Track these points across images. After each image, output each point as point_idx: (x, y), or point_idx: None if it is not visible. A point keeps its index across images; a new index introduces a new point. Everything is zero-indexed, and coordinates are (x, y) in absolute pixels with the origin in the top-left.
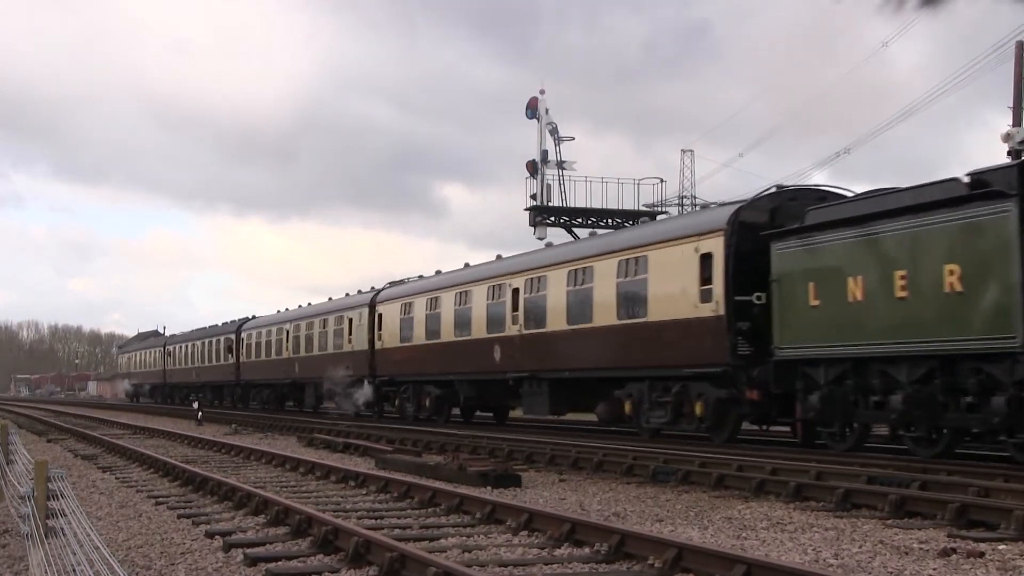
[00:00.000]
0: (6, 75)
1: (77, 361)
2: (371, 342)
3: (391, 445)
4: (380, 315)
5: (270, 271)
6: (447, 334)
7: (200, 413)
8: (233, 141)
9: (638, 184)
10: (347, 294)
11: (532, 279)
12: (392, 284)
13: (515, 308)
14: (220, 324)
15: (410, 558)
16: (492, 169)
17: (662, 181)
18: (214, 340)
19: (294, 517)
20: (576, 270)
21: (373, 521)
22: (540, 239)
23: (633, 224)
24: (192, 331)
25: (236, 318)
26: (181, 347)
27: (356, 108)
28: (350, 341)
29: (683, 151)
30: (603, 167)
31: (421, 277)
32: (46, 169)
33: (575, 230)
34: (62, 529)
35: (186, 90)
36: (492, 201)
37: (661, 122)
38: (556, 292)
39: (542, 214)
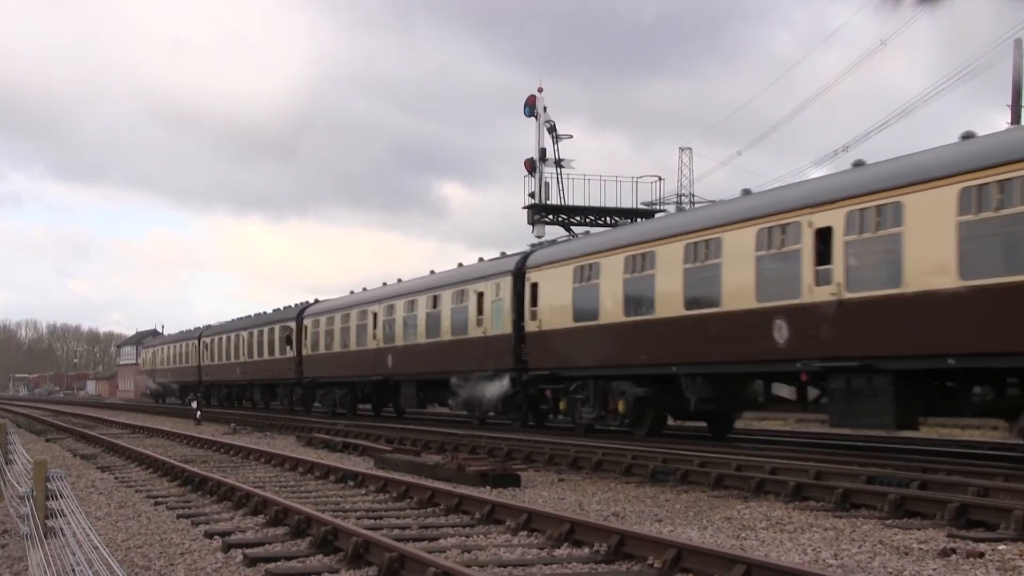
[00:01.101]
0: (5, 75)
1: (76, 360)
2: (516, 323)
3: (390, 445)
4: (535, 285)
5: (269, 271)
6: (670, 306)
7: (199, 413)
8: (232, 141)
9: (636, 182)
10: (460, 264)
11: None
12: (537, 246)
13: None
14: (272, 311)
15: (409, 558)
16: (491, 168)
17: (660, 179)
18: (266, 330)
19: (293, 517)
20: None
21: (372, 521)
22: (538, 237)
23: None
24: (235, 320)
25: (294, 303)
26: (222, 339)
27: (355, 107)
28: (479, 323)
29: (681, 149)
30: (602, 165)
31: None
32: (44, 169)
33: (573, 228)
34: (61, 529)
35: (185, 90)
36: (491, 200)
37: (659, 120)
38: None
39: (540, 212)
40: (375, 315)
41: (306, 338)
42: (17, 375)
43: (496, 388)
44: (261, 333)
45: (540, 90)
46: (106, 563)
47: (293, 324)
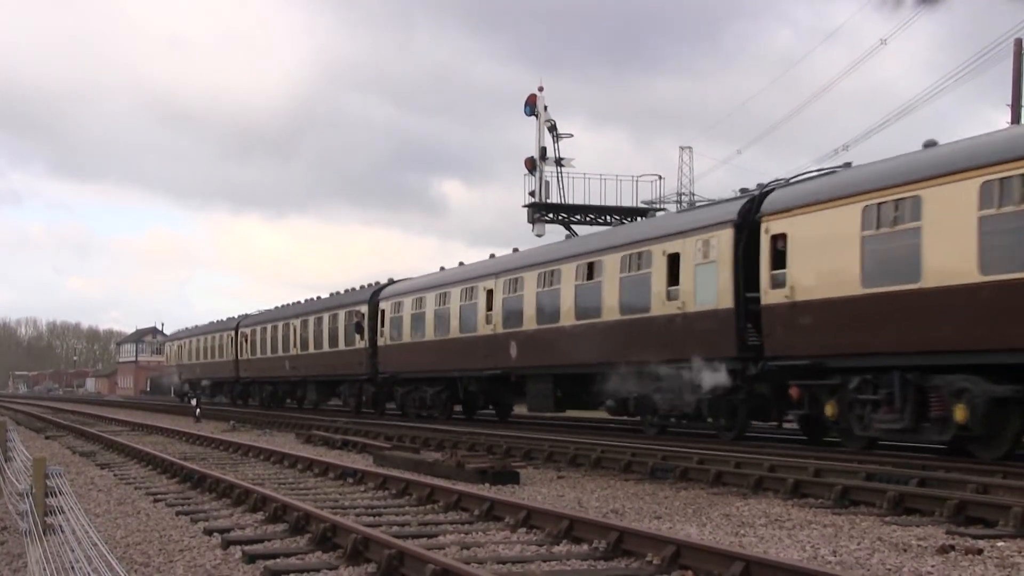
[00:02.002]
0: (3, 73)
1: (75, 358)
2: (740, 292)
3: (389, 442)
4: (780, 237)
5: (268, 268)
6: None
7: (198, 410)
8: (231, 138)
9: (636, 181)
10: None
11: None
12: (777, 183)
13: None
14: (330, 295)
15: (408, 555)
16: (491, 166)
17: (660, 178)
18: (326, 317)
19: (292, 514)
20: None
21: (371, 518)
22: (538, 236)
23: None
24: (283, 307)
25: (363, 284)
26: (265, 330)
27: (354, 105)
28: (672, 296)
29: (681, 148)
30: (602, 163)
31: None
32: (44, 167)
33: (574, 227)
34: (60, 526)
35: (184, 87)
36: (491, 198)
37: (660, 118)
38: None
39: (540, 211)
40: (489, 292)
41: (382, 325)
42: (16, 373)
43: (700, 384)
44: (319, 321)
45: (541, 89)
46: (105, 560)
47: (364, 309)
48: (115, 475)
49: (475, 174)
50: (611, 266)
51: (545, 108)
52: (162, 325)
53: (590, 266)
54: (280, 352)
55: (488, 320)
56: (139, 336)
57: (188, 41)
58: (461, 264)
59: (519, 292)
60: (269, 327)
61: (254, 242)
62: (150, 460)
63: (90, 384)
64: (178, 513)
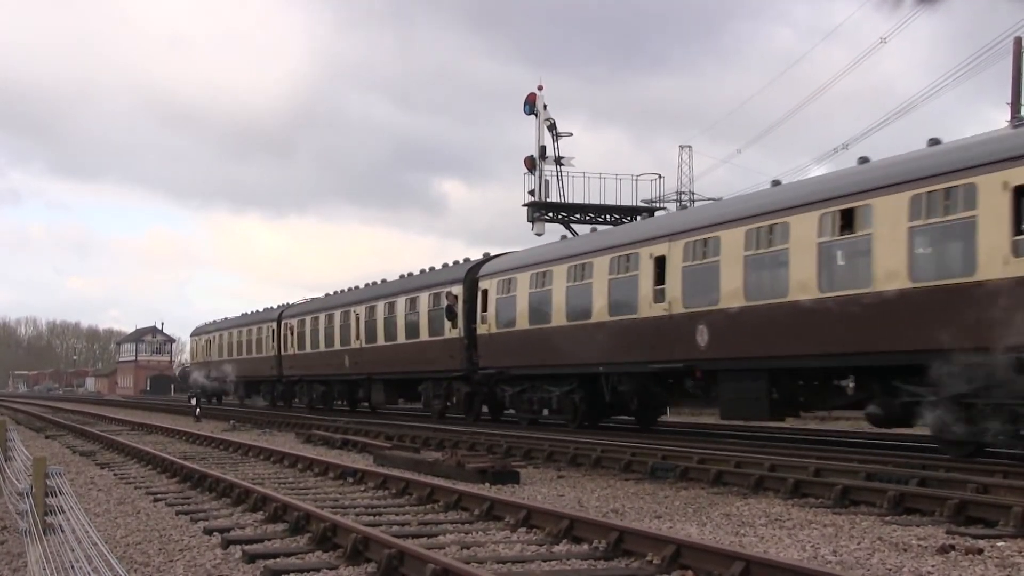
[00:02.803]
0: (3, 72)
1: (75, 357)
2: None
3: (389, 442)
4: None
5: (268, 268)
6: None
7: (198, 410)
8: (231, 138)
9: (636, 180)
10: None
11: None
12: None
13: None
14: (404, 276)
15: (408, 555)
16: (490, 165)
17: (660, 177)
18: (401, 301)
19: (292, 514)
20: None
21: (371, 518)
22: (538, 235)
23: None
24: (338, 294)
25: (461, 259)
26: (317, 320)
27: (354, 104)
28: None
29: (681, 147)
30: (601, 162)
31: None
32: (43, 166)
33: (573, 226)
34: (60, 526)
35: (183, 86)
36: (491, 197)
37: (659, 117)
38: None
39: (540, 210)
40: (659, 260)
41: (484, 308)
42: (16, 372)
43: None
44: (391, 307)
45: (540, 88)
46: (105, 559)
47: (458, 289)
48: (115, 475)
49: (475, 173)
50: (822, 222)
51: (545, 107)
52: (162, 325)
53: (846, 214)
54: (337, 345)
55: (658, 297)
56: (139, 336)
57: (188, 40)
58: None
59: (712, 258)
60: (323, 316)
61: (254, 242)
62: (150, 460)
63: (90, 384)
64: (178, 513)
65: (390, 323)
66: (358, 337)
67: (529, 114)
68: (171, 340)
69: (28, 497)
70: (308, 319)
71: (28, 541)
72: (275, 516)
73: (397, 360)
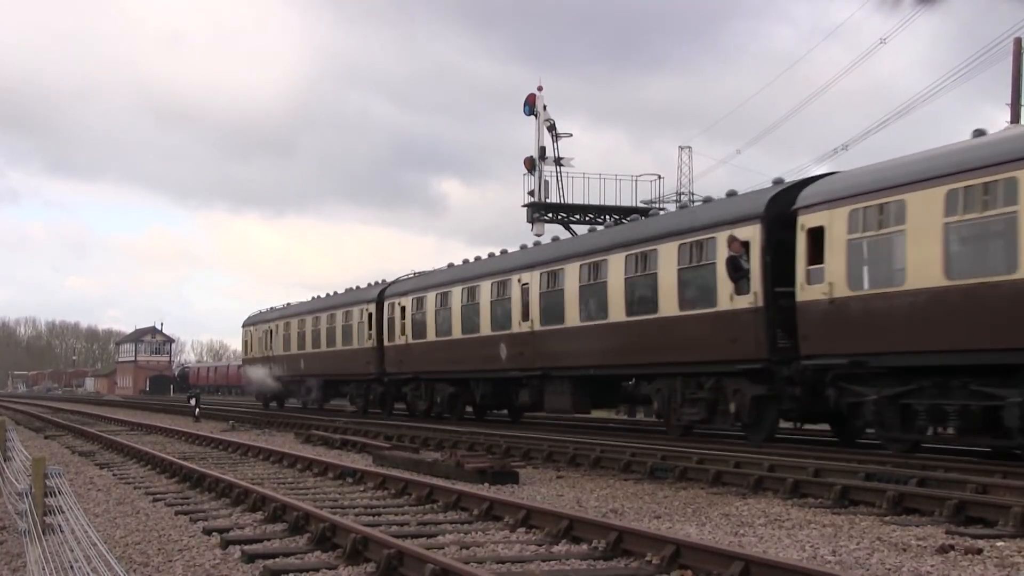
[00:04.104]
0: (0, 70)
1: (75, 358)
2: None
3: (388, 442)
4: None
5: (267, 268)
6: None
7: (197, 410)
8: (229, 137)
9: (635, 180)
10: None
11: None
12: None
13: None
14: (617, 221)
15: (408, 555)
16: (490, 165)
17: (660, 177)
18: (621, 259)
19: (292, 514)
20: None
21: (370, 518)
22: (538, 235)
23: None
24: (486, 259)
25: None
26: (449, 296)
27: (353, 103)
28: None
29: (681, 147)
30: (601, 162)
31: None
32: (42, 165)
33: (573, 226)
34: (60, 526)
35: (182, 85)
36: (490, 197)
37: (659, 118)
38: None
39: (540, 210)
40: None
41: (812, 260)
42: (16, 372)
43: None
44: (595, 269)
45: (540, 88)
46: (104, 560)
47: (752, 231)
48: (114, 475)
49: (474, 173)
50: None
51: (544, 108)
52: (161, 325)
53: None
54: (488, 330)
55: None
56: (138, 336)
57: (186, 39)
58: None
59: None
60: (458, 292)
61: (253, 241)
62: (149, 460)
63: (89, 384)
64: (177, 513)
65: (597, 293)
66: (527, 317)
67: (529, 115)
68: (170, 340)
69: (27, 497)
70: (431, 296)
71: (27, 541)
72: (274, 516)
73: (603, 348)
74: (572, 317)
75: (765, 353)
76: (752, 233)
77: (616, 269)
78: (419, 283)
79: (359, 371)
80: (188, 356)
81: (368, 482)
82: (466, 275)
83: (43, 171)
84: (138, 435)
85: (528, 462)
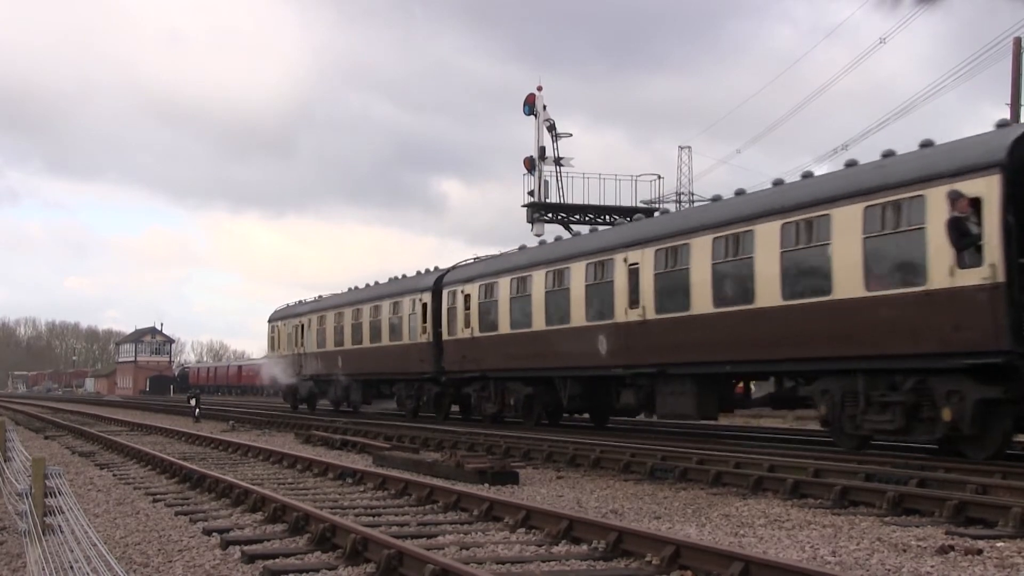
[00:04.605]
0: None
1: (75, 358)
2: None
3: (388, 442)
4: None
5: (267, 268)
6: None
7: (197, 410)
8: (229, 136)
9: (635, 180)
10: None
11: None
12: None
13: None
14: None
15: (408, 555)
16: (490, 165)
17: (659, 177)
18: (795, 227)
19: (291, 514)
20: None
21: (370, 518)
22: (538, 235)
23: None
24: (586, 235)
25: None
26: (528, 281)
27: (353, 103)
28: None
29: (680, 147)
30: (601, 162)
31: None
32: (41, 165)
33: (573, 227)
34: (60, 526)
35: (181, 85)
36: (490, 197)
37: (659, 117)
38: None
39: (540, 210)
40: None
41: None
42: (16, 373)
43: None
44: (806, 230)
45: (540, 88)
46: (104, 560)
47: (989, 182)
48: (114, 475)
49: (474, 173)
50: None
51: (544, 108)
52: (161, 325)
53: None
54: (581, 320)
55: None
56: (138, 336)
57: (186, 38)
58: None
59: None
60: (541, 276)
61: (253, 241)
62: (149, 460)
63: (89, 384)
64: (177, 513)
65: (732, 273)
66: (635, 303)
67: (528, 115)
68: (170, 340)
69: (27, 498)
70: (505, 282)
71: (27, 541)
72: (274, 516)
73: (747, 340)
74: (701, 303)
75: (1006, 344)
76: (987, 187)
77: (767, 242)
78: (489, 267)
79: (409, 369)
80: (188, 356)
81: (368, 482)
82: (551, 256)
83: (42, 171)
84: (138, 435)
85: (528, 462)
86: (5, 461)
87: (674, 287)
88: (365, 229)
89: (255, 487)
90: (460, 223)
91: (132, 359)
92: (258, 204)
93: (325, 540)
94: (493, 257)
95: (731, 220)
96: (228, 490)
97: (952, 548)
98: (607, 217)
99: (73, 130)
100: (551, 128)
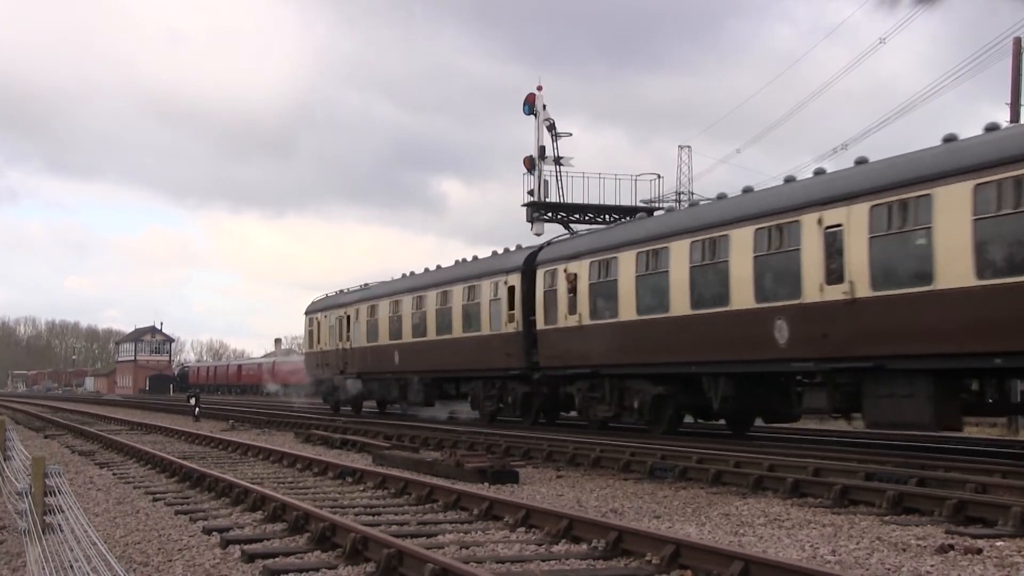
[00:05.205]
0: None
1: (74, 357)
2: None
3: (388, 441)
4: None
5: (267, 267)
6: None
7: (197, 409)
8: (229, 136)
9: (635, 180)
10: None
11: None
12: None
13: None
14: None
15: (407, 555)
16: (489, 164)
17: (659, 177)
18: None
19: (291, 513)
20: None
21: (370, 517)
22: (537, 235)
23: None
24: (733, 199)
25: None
26: (657, 255)
27: (353, 102)
28: None
29: (680, 147)
30: (601, 162)
31: None
32: (40, 164)
33: (572, 226)
34: (59, 526)
35: (181, 85)
36: (490, 197)
37: (659, 117)
38: None
39: (539, 210)
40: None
41: None
42: (16, 372)
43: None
44: (998, 195)
45: (540, 88)
46: (104, 559)
47: None
48: (114, 474)
49: (474, 172)
50: None
51: (544, 107)
52: (161, 324)
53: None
54: (748, 301)
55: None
56: (138, 335)
57: (186, 38)
58: None
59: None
60: (681, 248)
61: (252, 241)
62: (149, 459)
63: (89, 383)
64: (177, 512)
65: (1004, 232)
66: (838, 278)
67: (528, 114)
68: (170, 340)
69: (27, 497)
70: (627, 257)
71: (27, 541)
72: (274, 516)
73: None
74: (952, 273)
75: None
76: None
77: None
78: (603, 240)
79: (489, 365)
80: (188, 356)
81: (368, 482)
82: (700, 222)
83: (42, 171)
84: (138, 435)
85: (528, 462)
86: (5, 460)
87: (904, 254)
88: (365, 229)
89: (255, 486)
90: (460, 223)
91: (132, 358)
92: (258, 204)
93: (325, 539)
94: (608, 228)
95: (1004, 160)
96: (228, 489)
97: (952, 547)
98: (607, 217)
99: (73, 130)
100: (551, 128)
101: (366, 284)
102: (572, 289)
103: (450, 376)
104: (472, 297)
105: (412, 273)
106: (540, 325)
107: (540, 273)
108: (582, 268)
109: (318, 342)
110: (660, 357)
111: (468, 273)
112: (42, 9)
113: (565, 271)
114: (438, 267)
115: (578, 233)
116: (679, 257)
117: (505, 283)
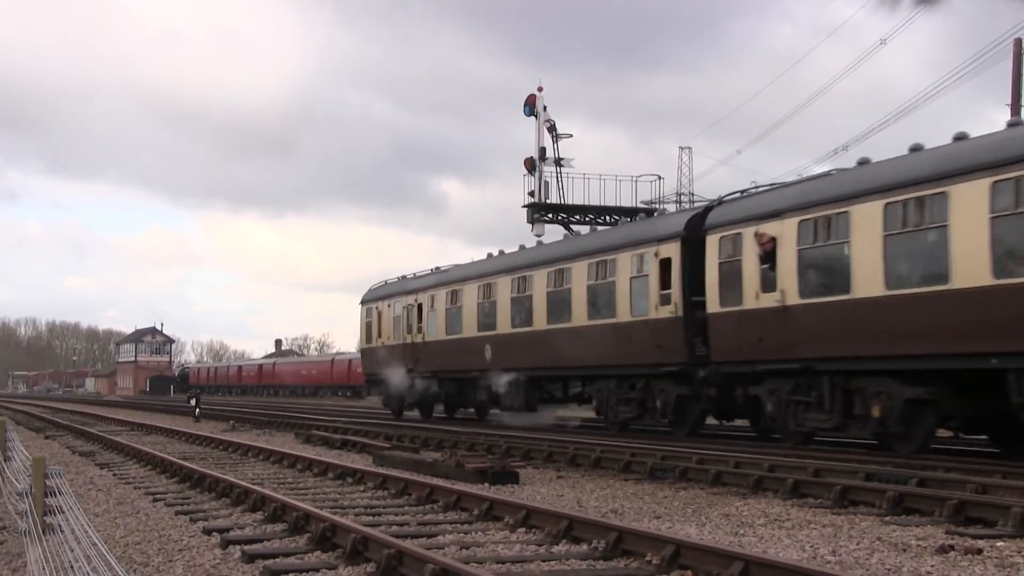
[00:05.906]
0: None
1: (75, 358)
2: None
3: (388, 442)
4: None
5: (266, 267)
6: None
7: (198, 410)
8: (228, 136)
9: (636, 181)
10: None
11: None
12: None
13: None
14: None
15: (408, 555)
16: (490, 165)
17: (660, 178)
18: None
19: (292, 514)
20: None
21: (370, 518)
22: (538, 236)
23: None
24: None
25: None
26: (923, 204)
27: (353, 102)
28: None
29: (681, 148)
30: (601, 163)
31: None
32: (40, 164)
33: (573, 227)
34: (60, 526)
35: (180, 84)
36: (490, 197)
37: (659, 118)
38: None
39: (540, 211)
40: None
41: None
42: (16, 373)
43: None
44: None
45: (540, 89)
46: (104, 560)
47: None
48: (114, 475)
49: (474, 173)
50: None
51: (544, 108)
52: (161, 325)
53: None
54: None
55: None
56: (138, 336)
57: (185, 38)
58: None
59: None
60: (967, 193)
61: (252, 241)
62: (149, 460)
63: (89, 384)
64: (177, 513)
65: None
66: None
67: (529, 115)
68: (170, 340)
69: (27, 497)
70: (872, 210)
71: (27, 541)
72: (274, 516)
73: None
74: None
75: None
76: None
77: None
78: (815, 190)
79: (631, 359)
80: (188, 356)
81: (368, 482)
82: (998, 156)
83: (42, 171)
84: (138, 435)
85: (528, 462)
86: (5, 461)
87: None
88: (365, 229)
89: (255, 487)
90: (460, 223)
91: (132, 359)
92: (258, 204)
93: (325, 539)
94: (819, 176)
95: None
96: (228, 490)
97: (952, 547)
98: (607, 218)
99: (73, 130)
100: (551, 129)
101: (438, 267)
102: (768, 258)
103: (559, 375)
104: (603, 275)
105: (499, 252)
106: (712, 308)
107: (713, 240)
108: (785, 230)
109: (378, 336)
110: (930, 347)
111: (597, 245)
112: (42, 9)
113: (756, 234)
114: (539, 242)
115: (763, 187)
116: (960, 207)
117: (655, 255)
